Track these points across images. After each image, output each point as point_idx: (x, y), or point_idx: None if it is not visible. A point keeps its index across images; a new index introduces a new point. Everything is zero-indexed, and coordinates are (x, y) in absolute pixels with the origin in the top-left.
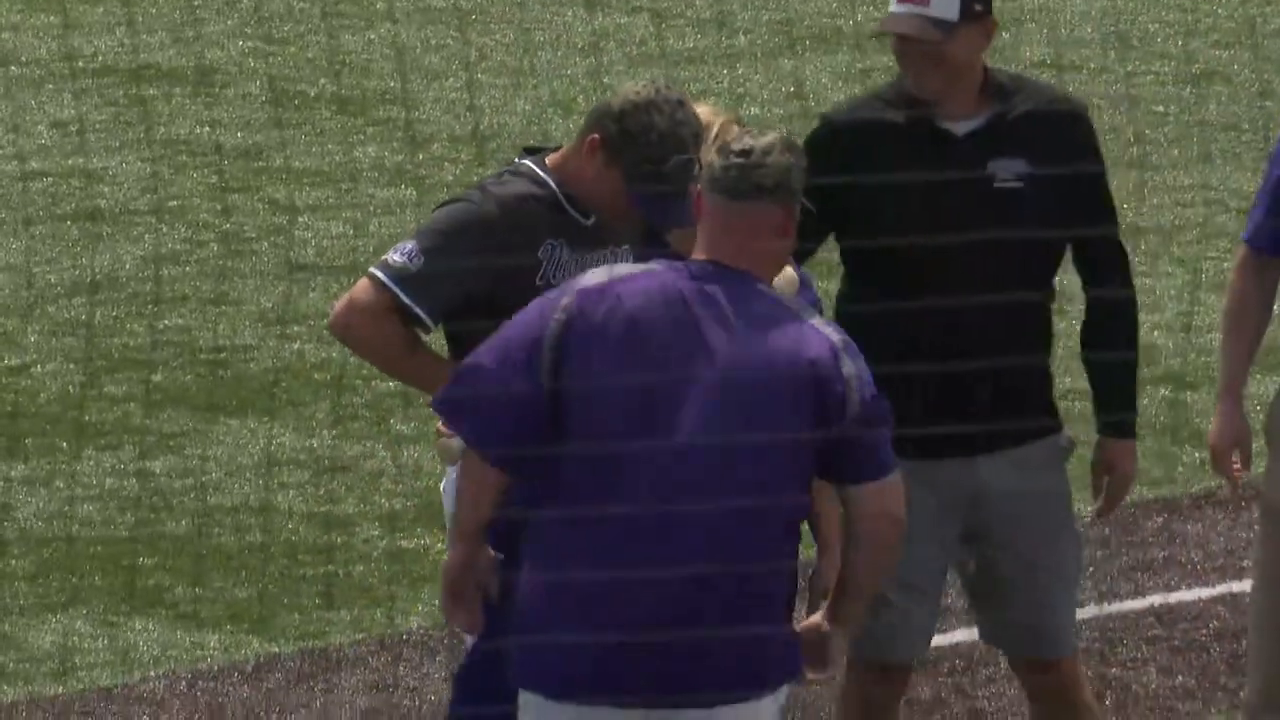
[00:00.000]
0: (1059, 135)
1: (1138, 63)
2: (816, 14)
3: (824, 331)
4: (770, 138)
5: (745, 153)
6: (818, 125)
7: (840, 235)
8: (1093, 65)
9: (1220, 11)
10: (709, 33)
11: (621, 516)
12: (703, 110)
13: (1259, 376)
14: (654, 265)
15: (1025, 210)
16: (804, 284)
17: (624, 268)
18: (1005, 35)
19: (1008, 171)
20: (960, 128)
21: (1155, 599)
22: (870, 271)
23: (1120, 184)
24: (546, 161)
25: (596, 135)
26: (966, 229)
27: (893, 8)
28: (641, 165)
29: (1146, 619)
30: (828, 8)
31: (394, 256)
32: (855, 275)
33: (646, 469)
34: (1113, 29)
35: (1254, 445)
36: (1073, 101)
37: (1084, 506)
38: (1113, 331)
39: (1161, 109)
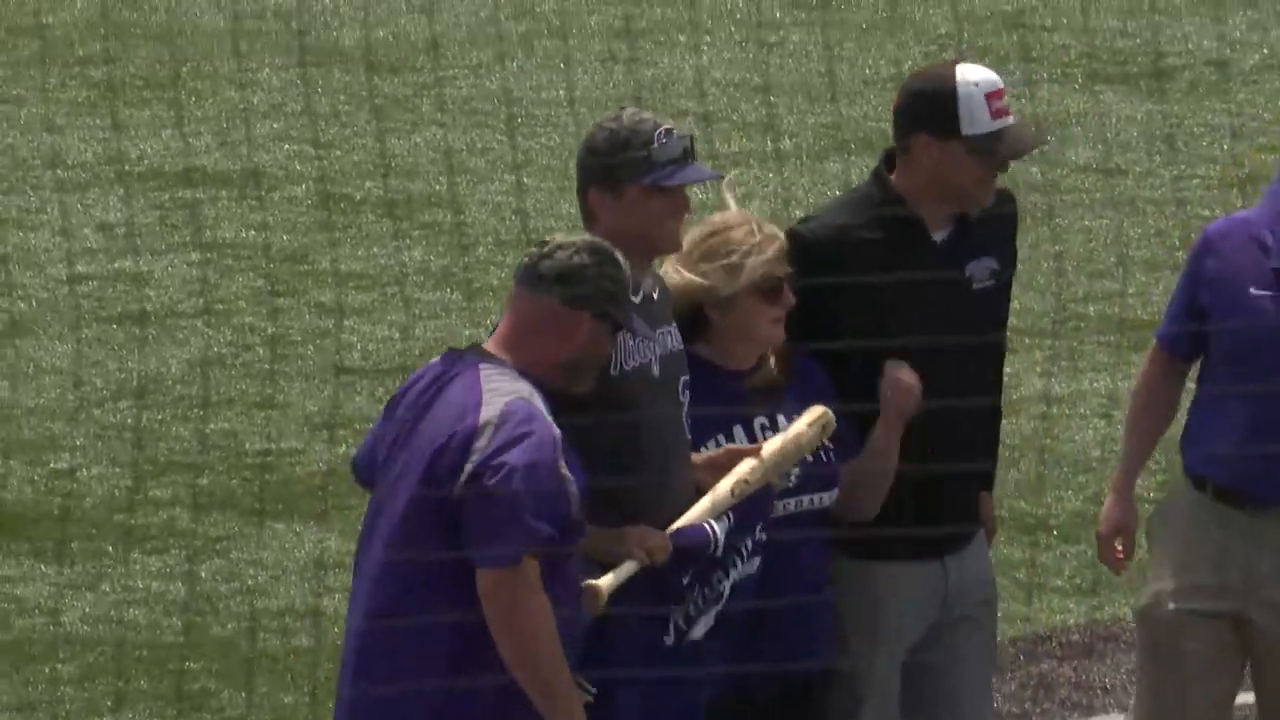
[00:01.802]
0: (1007, 229)
1: (1184, 166)
2: (863, 117)
3: (486, 409)
4: (579, 239)
5: (543, 243)
6: (798, 240)
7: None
8: (1139, 169)
9: (1266, 115)
10: (755, 136)
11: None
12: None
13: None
14: (448, 354)
15: (998, 309)
16: (810, 373)
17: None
18: (1051, 138)
19: (983, 271)
20: (938, 235)
21: None
22: (866, 379)
23: (1166, 287)
24: None
25: (590, 187)
26: (955, 332)
27: (1011, 120)
28: (633, 166)
29: None
30: (874, 111)
31: None
32: (850, 384)
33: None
34: (1159, 132)
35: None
36: (1008, 191)
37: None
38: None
39: (1208, 212)
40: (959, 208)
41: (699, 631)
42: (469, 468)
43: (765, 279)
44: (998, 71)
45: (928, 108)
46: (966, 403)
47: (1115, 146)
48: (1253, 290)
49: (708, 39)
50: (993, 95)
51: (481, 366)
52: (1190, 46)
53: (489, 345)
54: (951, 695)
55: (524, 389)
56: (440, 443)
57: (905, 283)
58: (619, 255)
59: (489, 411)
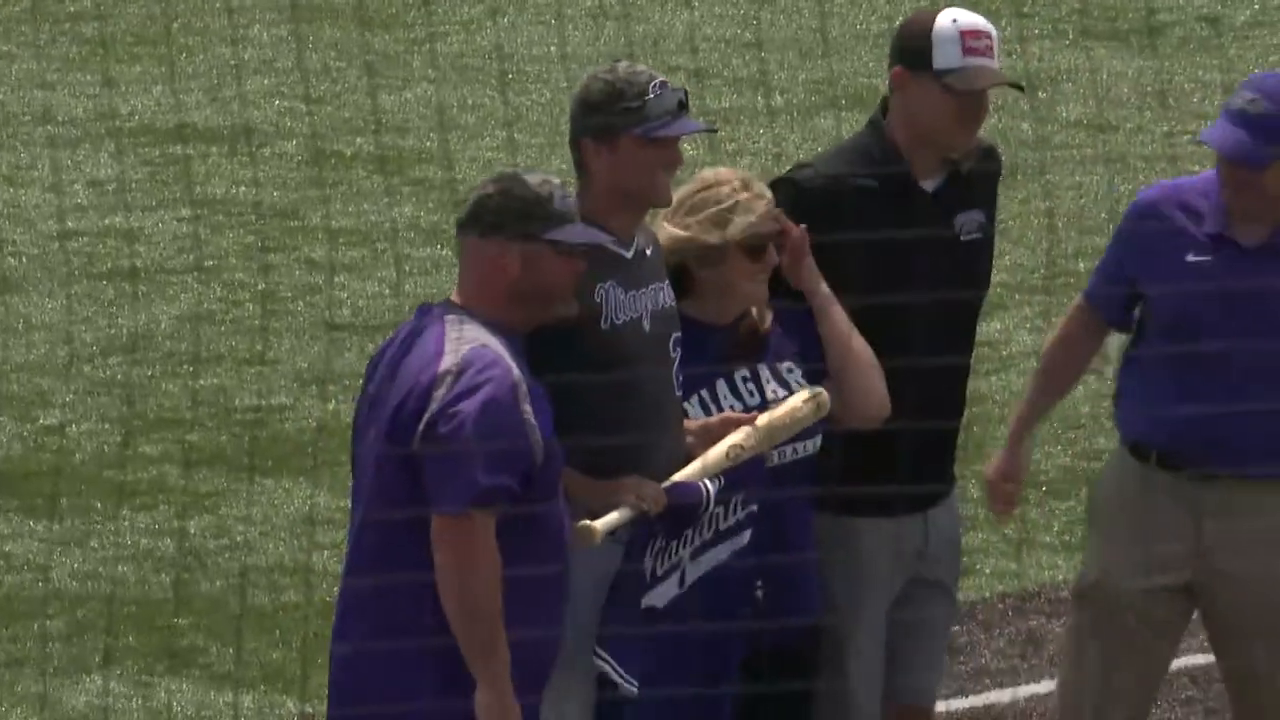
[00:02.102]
0: (992, 184)
1: (1175, 122)
2: (854, 73)
3: (447, 358)
4: (493, 175)
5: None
6: (793, 187)
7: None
8: (1130, 125)
9: (1257, 70)
10: (746, 92)
11: None
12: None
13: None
14: (420, 309)
15: (984, 261)
16: (793, 321)
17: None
18: (1042, 95)
19: (971, 224)
20: (929, 185)
21: (1188, 660)
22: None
23: None
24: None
25: (584, 137)
26: (943, 283)
27: (985, 61)
28: (627, 116)
29: (1180, 680)
30: (864, 67)
31: None
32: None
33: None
34: (1150, 88)
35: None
36: (995, 148)
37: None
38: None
39: (1198, 168)
40: (941, 151)
41: (659, 598)
42: (427, 419)
43: (751, 236)
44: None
45: (905, 41)
46: (962, 359)
47: (1107, 103)
48: (1190, 257)
49: None
50: (969, 34)
51: (447, 318)
52: (1182, 2)
53: (454, 296)
54: (908, 657)
55: (485, 336)
56: (404, 394)
57: (897, 231)
58: (528, 176)
59: (449, 361)
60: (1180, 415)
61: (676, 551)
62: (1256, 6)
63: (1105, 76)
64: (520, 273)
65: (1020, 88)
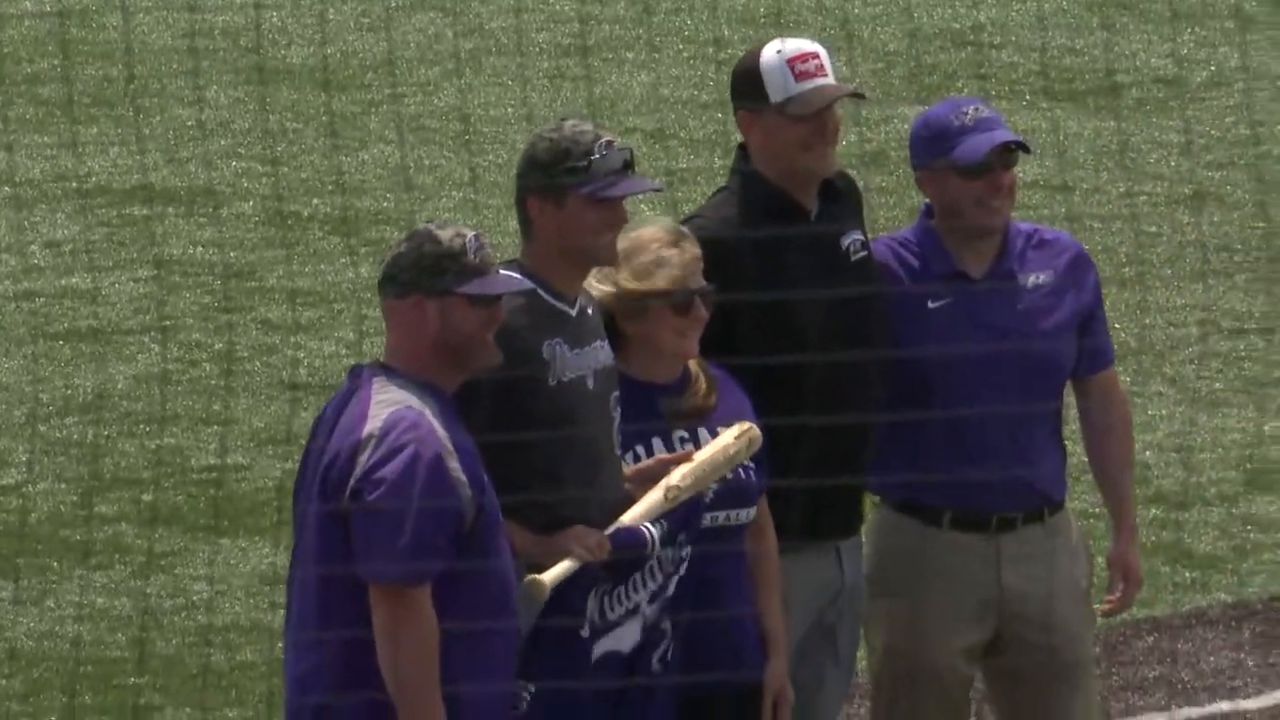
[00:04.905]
0: (856, 205)
1: (1133, 182)
2: None
3: (371, 422)
4: (407, 233)
5: None
6: (702, 240)
7: (755, 333)
8: (1086, 185)
9: (1213, 132)
10: (704, 153)
11: None
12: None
13: None
14: (352, 370)
15: (875, 279)
16: (729, 388)
17: None
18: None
19: (856, 244)
20: (811, 210)
21: (1146, 719)
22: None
23: (1114, 304)
24: (518, 262)
25: (529, 197)
26: (847, 300)
27: (818, 81)
28: (573, 175)
29: None
30: None
31: None
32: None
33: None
34: (1108, 148)
35: None
36: (848, 175)
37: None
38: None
39: (1155, 229)
40: (809, 178)
41: (624, 642)
42: (351, 483)
43: (677, 292)
44: (947, 89)
45: (738, 84)
46: (868, 368)
47: (1065, 163)
48: (930, 304)
49: (658, 55)
50: (795, 60)
51: (375, 379)
52: (1139, 64)
53: (384, 357)
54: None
55: (410, 398)
56: (332, 458)
57: (797, 261)
58: (440, 231)
59: (373, 425)
60: (961, 468)
61: (630, 596)
62: (1213, 68)
63: (1063, 137)
64: (439, 328)
65: (861, 95)
